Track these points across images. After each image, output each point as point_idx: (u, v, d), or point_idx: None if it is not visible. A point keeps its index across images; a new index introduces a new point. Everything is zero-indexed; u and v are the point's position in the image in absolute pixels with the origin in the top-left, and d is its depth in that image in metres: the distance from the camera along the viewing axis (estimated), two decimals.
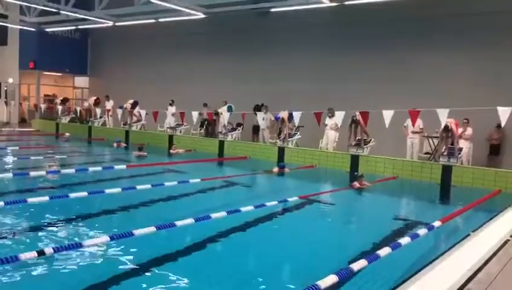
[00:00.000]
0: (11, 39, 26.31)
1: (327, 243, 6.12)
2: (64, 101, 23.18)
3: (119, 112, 19.55)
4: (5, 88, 26.24)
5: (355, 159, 12.80)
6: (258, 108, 17.27)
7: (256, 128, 17.73)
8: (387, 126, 10.65)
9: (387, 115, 10.72)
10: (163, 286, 4.15)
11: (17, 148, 14.47)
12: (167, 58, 23.08)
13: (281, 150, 14.38)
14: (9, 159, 12.42)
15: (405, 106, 11.96)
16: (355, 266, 4.11)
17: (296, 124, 14.33)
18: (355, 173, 11.36)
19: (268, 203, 7.16)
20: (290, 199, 7.81)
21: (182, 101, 19.81)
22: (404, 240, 5.04)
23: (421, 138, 14.25)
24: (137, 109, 19.52)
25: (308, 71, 18.47)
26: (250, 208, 6.66)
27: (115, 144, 16.57)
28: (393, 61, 16.25)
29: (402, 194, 10.53)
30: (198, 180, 9.29)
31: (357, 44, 17.25)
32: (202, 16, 18.52)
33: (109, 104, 21.86)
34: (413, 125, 12.54)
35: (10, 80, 26.08)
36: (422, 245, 5.54)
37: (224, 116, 16.12)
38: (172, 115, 19.24)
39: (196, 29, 21.18)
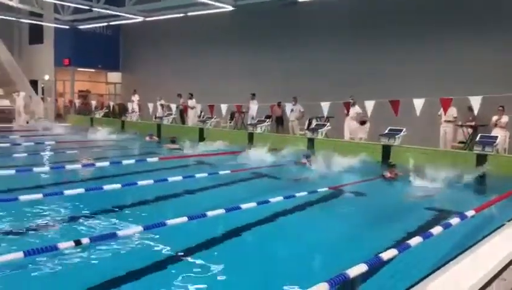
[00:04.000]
0: (47, 37, 27.07)
1: (357, 233, 6.09)
2: (84, 96, 23.82)
3: (151, 106, 19.93)
4: (42, 85, 27.07)
5: (386, 149, 12.63)
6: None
7: (279, 120, 17.72)
8: (418, 114, 10.45)
9: (418, 103, 10.53)
10: (196, 275, 4.24)
11: (53, 142, 14.94)
12: (197, 52, 23.27)
13: (311, 141, 14.33)
14: (47, 153, 12.85)
15: (438, 94, 11.72)
16: (385, 255, 4.09)
17: (325, 115, 14.28)
18: (389, 162, 11.22)
19: (297, 194, 7.19)
20: (319, 190, 7.81)
21: (211, 94, 19.98)
22: (436, 230, 4.97)
23: (455, 127, 13.92)
24: (162, 102, 19.99)
25: (335, 61, 18.26)
26: (279, 198, 6.71)
27: (147, 138, 16.88)
28: (425, 48, 15.89)
29: (434, 183, 10.32)
30: (228, 171, 9.39)
31: (384, 32, 16.93)
32: (231, 8, 18.57)
33: (135, 98, 22.36)
34: (445, 113, 12.26)
35: (46, 77, 26.87)
36: (454, 235, 5.45)
37: (252, 109, 16.19)
38: (192, 108, 19.63)
39: (225, 23, 21.26)
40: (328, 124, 15.50)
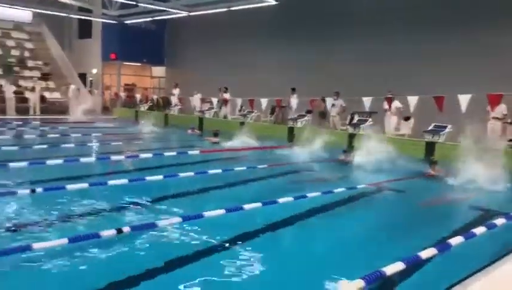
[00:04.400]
0: (95, 32, 28.03)
1: (394, 231, 5.96)
2: (130, 90, 24.49)
3: (191, 99, 20.26)
4: (90, 78, 28.06)
5: (430, 146, 12.29)
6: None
7: (322, 115, 17.55)
8: (463, 111, 10.09)
9: (464, 99, 10.16)
10: (232, 267, 4.29)
11: (100, 134, 15.47)
12: (239, 46, 23.41)
13: (352, 137, 14.14)
14: (94, 144, 13.32)
15: (488, 90, 11.27)
16: (424, 254, 4.01)
17: (367, 110, 14.06)
18: (431, 158, 10.91)
19: (335, 190, 7.14)
20: (358, 186, 7.71)
21: (252, 88, 20.06)
22: (479, 230, 4.82)
23: (504, 124, 13.32)
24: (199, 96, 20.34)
25: (377, 55, 17.91)
26: (317, 194, 6.68)
27: (189, 131, 17.18)
28: (472, 41, 15.30)
29: (480, 182, 9.95)
30: (265, 165, 9.43)
31: (429, 27, 16.43)
32: (274, 2, 18.54)
33: (176, 92, 22.79)
34: (492, 110, 11.75)
35: (94, 71, 27.83)
36: (500, 236, 5.25)
37: (292, 103, 16.13)
38: (226, 102, 19.98)
39: (267, 17, 21.26)
40: (370, 119, 15.23)
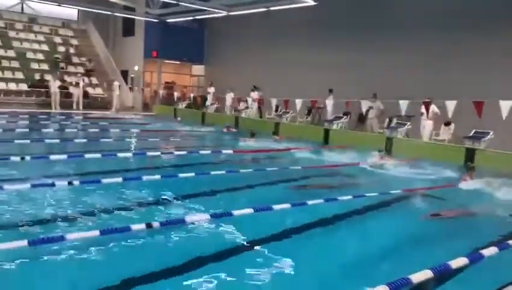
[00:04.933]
0: (138, 30, 28.71)
1: (426, 238, 5.80)
2: (170, 87, 24.99)
3: (227, 98, 20.47)
4: (132, 75, 28.77)
5: (470, 153, 11.89)
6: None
7: (362, 117, 17.30)
8: (504, 118, 9.71)
9: (505, 105, 9.76)
10: (257, 269, 4.29)
11: (138, 130, 15.84)
12: (276, 45, 23.39)
13: (389, 140, 13.87)
14: (132, 139, 13.64)
15: None
16: (454, 263, 3.89)
17: (403, 113, 13.76)
18: (468, 164, 10.56)
19: (368, 194, 7.02)
20: (392, 192, 7.55)
21: (289, 88, 20.02)
22: None
23: None
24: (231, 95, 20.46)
25: (417, 57, 17.47)
26: (348, 197, 6.59)
27: (224, 129, 17.33)
28: None
29: None
30: (299, 167, 9.39)
31: (469, 32, 15.92)
32: (313, 3, 18.44)
33: (211, 90, 23.03)
34: None
35: (136, 68, 28.51)
36: None
37: (328, 105, 15.98)
38: (254, 101, 20.36)
39: (305, 17, 21.13)
40: (409, 123, 14.90)
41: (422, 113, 13.95)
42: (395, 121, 15.88)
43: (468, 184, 8.85)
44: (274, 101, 18.41)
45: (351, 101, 15.58)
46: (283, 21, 22.26)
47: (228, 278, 4.02)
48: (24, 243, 4.10)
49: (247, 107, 20.85)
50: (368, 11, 19.26)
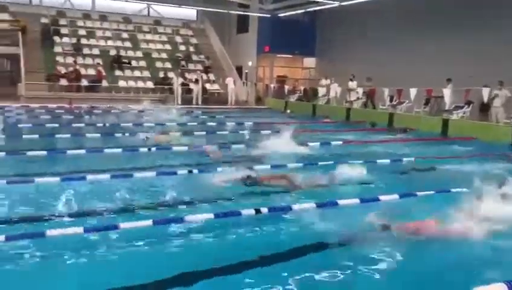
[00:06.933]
0: (252, 26, 29.69)
1: None
2: (282, 81, 25.11)
3: (339, 90, 20.31)
4: (246, 71, 29.87)
5: None
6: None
7: (485, 107, 15.97)
8: None
9: None
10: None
11: (251, 123, 16.37)
12: (390, 36, 22.47)
13: None
14: (245, 132, 14.04)
15: None
16: None
17: None
18: None
19: None
20: None
21: (404, 78, 19.20)
22: None
23: None
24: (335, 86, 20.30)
25: None
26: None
27: (325, 119, 17.45)
28: None
29: None
30: (412, 159, 9.06)
31: None
32: None
33: (326, 82, 22.90)
34: None
35: (249, 63, 29.54)
36: None
37: (446, 94, 15.05)
38: (351, 90, 20.56)
39: (423, 4, 20.06)
40: None
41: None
42: None
43: None
44: (386, 91, 17.82)
45: (473, 89, 14.48)
46: (397, 9, 21.36)
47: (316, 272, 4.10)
48: None
49: (358, 98, 20.46)
50: None
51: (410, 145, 11.88)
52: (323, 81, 23.48)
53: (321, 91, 23.23)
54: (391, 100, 19.33)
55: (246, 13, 28.38)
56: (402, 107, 18.22)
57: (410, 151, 10.39)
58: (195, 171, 7.33)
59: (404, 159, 9.24)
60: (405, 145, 11.80)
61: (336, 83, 21.93)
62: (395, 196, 5.88)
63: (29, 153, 8.42)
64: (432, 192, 6.18)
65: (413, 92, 15.64)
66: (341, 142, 11.59)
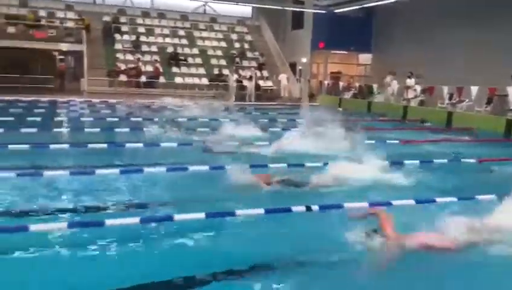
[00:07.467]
0: (306, 23, 29.48)
1: None
2: (336, 78, 24.72)
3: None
4: (300, 67, 29.72)
5: None
6: None
7: None
8: None
9: None
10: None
11: (301, 119, 16.24)
12: (449, 31, 21.55)
13: None
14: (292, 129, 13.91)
15: None
16: None
17: None
18: None
19: None
20: None
21: (465, 75, 18.40)
22: None
23: None
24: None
25: None
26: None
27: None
28: None
29: None
30: (473, 160, 8.68)
31: None
32: None
33: (389, 79, 22.24)
34: None
35: (303, 60, 29.36)
36: None
37: (509, 92, 14.25)
38: (409, 88, 19.83)
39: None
40: None
41: None
42: None
43: None
44: (446, 89, 17.12)
45: None
46: (457, 5, 20.46)
47: None
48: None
49: (416, 96, 19.81)
50: None
51: (471, 146, 11.39)
52: (388, 78, 22.64)
53: (389, 89, 22.33)
54: (450, 98, 18.57)
55: (301, 9, 28.22)
56: (462, 105, 17.46)
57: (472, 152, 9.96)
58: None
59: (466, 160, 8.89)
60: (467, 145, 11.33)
61: (396, 80, 21.31)
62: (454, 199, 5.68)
63: (91, 145, 8.81)
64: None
65: (474, 90, 14.91)
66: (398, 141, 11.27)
